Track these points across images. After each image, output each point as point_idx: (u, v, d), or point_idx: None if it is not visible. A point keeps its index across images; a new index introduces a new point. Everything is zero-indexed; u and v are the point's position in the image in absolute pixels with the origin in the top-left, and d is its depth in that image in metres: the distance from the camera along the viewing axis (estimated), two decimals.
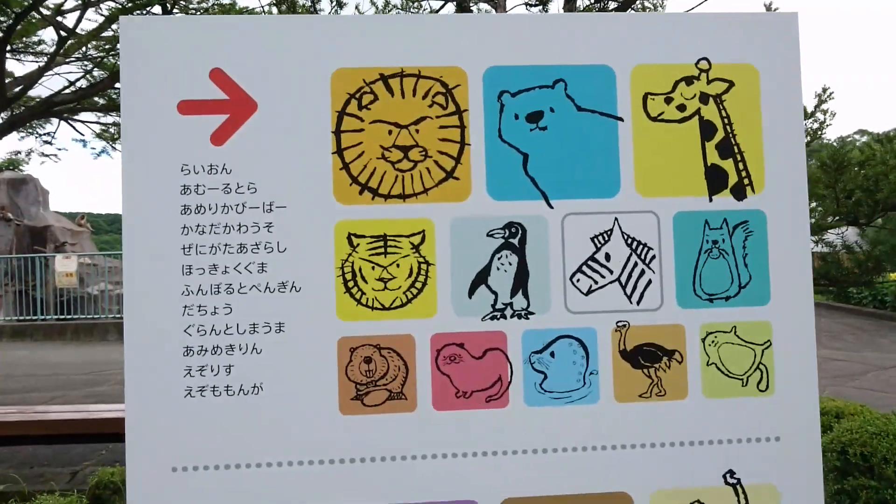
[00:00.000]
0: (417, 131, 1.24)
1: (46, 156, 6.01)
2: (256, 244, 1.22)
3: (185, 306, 1.20)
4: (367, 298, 1.23)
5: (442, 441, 1.23)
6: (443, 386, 1.23)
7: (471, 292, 1.24)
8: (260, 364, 1.21)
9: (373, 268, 1.23)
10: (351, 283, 1.23)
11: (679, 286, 1.27)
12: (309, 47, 1.23)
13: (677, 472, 1.26)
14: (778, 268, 1.28)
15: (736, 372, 1.27)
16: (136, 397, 1.20)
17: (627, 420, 1.25)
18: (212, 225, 1.21)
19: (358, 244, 1.23)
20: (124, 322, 1.20)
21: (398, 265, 1.23)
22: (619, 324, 1.26)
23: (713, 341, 1.27)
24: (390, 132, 1.24)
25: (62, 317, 14.05)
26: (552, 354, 1.25)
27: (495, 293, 1.25)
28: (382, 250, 1.23)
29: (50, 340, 13.01)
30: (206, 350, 1.21)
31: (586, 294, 1.26)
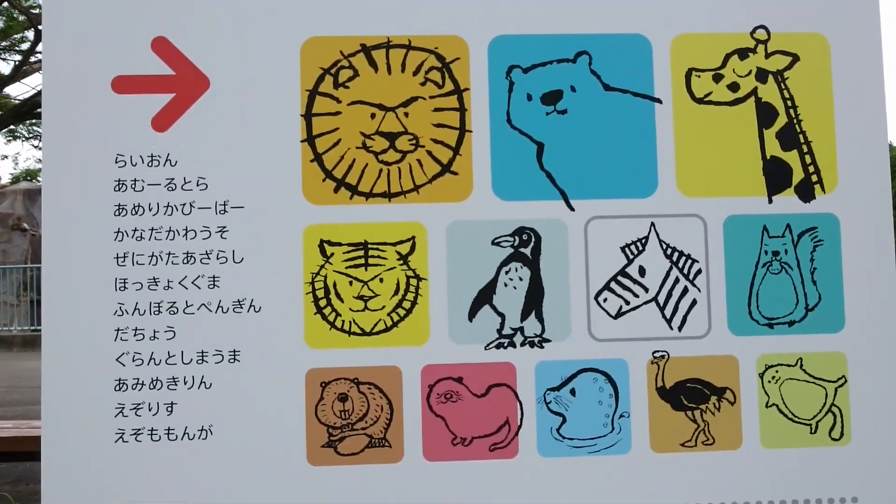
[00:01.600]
0: (407, 115, 1.01)
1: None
2: (207, 253, 0.99)
3: (118, 329, 0.98)
4: (343, 321, 0.99)
5: (435, 499, 0.99)
6: (436, 430, 0.99)
7: (472, 314, 1.00)
8: (209, 401, 0.98)
9: (350, 283, 1.00)
10: (323, 303, 0.99)
11: (731, 308, 1.02)
12: (274, 12, 1.01)
13: None
14: (854, 286, 1.03)
15: (803, 416, 1.02)
16: (55, 441, 0.97)
17: (667, 475, 1.00)
18: (152, 229, 0.99)
19: (332, 254, 1.00)
20: (42, 347, 0.98)
21: (382, 280, 1.00)
22: (657, 354, 1.01)
23: (774, 377, 1.02)
24: (373, 116, 1.01)
25: None
26: (573, 392, 1.00)
27: (502, 315, 1.01)
28: (363, 262, 1.00)
29: None
30: (142, 384, 0.97)
31: (615, 317, 1.02)
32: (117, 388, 0.97)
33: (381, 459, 0.99)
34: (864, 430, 1.02)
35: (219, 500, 0.97)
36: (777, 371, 1.02)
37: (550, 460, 1.00)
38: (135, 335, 0.98)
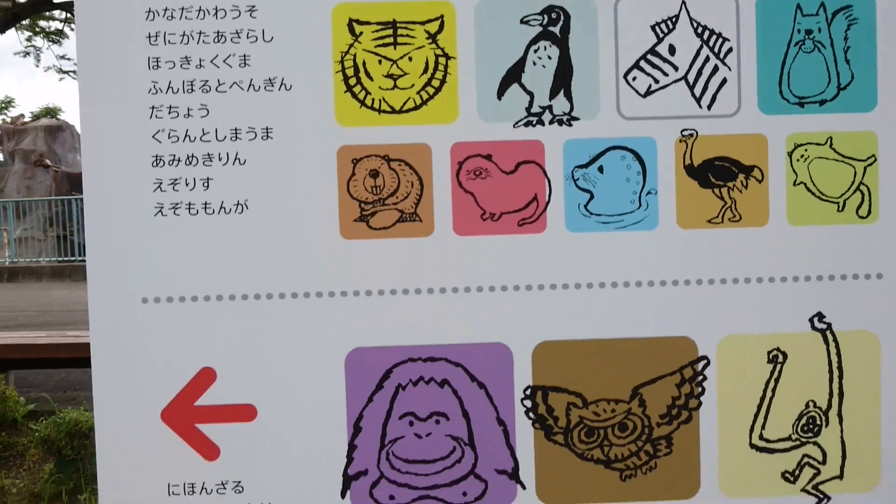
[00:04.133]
0: None
1: (65, 72, 5.77)
2: (237, 32, 0.99)
3: (153, 107, 0.99)
4: (373, 99, 1.00)
5: (464, 272, 1.01)
6: (466, 206, 1.01)
7: (500, 93, 1.01)
8: (244, 177, 1.00)
9: (380, 62, 1.00)
10: (353, 81, 1.00)
11: (761, 86, 1.02)
12: None
13: (753, 314, 1.02)
14: (888, 65, 1.02)
15: (830, 194, 1.02)
16: (97, 216, 1.00)
17: (693, 250, 1.02)
18: (182, 8, 0.99)
19: (361, 32, 1.00)
20: (80, 125, 1.00)
21: (411, 59, 1.00)
22: (685, 132, 1.01)
23: (803, 155, 1.02)
24: None
25: None
26: (600, 169, 1.01)
27: (531, 94, 1.01)
28: (392, 40, 1.00)
29: (87, 281, 13.19)
30: (179, 160, 1.00)
31: (644, 95, 1.01)
32: (154, 164, 1.00)
33: (411, 233, 1.01)
34: (891, 209, 1.03)
35: (254, 270, 1.00)
36: (806, 150, 1.02)
37: (578, 235, 1.02)
38: (169, 113, 1.00)
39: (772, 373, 1.03)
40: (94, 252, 1.01)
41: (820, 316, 1.02)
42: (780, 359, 1.03)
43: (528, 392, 1.02)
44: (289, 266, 1.00)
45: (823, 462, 1.04)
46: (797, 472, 1.04)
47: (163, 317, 1.00)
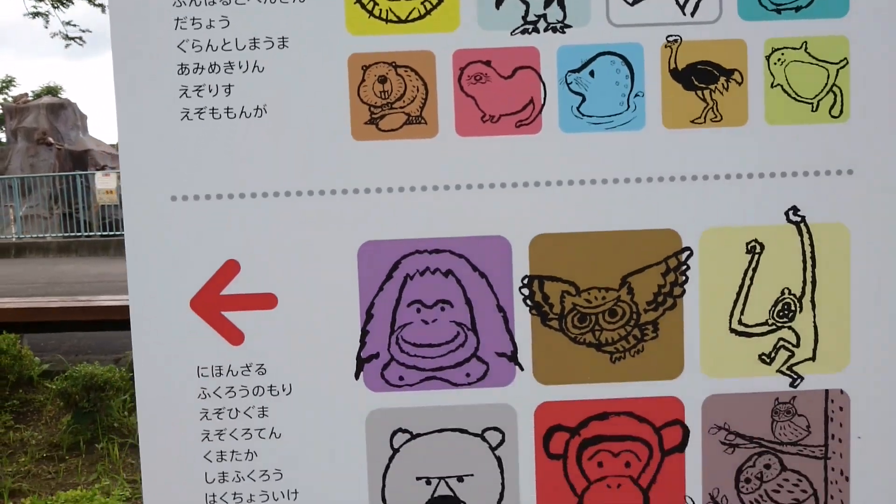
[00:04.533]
0: None
1: (71, 38, 5.80)
2: None
3: (178, 18, 1.07)
4: (380, 9, 1.08)
5: (466, 170, 1.10)
6: (467, 109, 1.09)
7: (498, 2, 1.09)
8: (263, 83, 1.08)
9: None
10: None
11: None
12: None
13: (733, 208, 1.11)
14: None
15: (805, 95, 1.10)
16: (129, 121, 1.09)
17: (677, 148, 1.10)
18: None
19: None
20: (111, 38, 1.08)
21: None
22: (670, 38, 1.09)
23: (779, 59, 1.10)
24: None
25: (106, 233, 14.38)
26: (591, 74, 1.09)
27: (526, 3, 1.09)
28: None
29: (94, 255, 13.33)
30: (202, 68, 1.08)
31: (632, 4, 1.09)
32: (180, 72, 1.08)
33: (417, 135, 1.10)
34: (861, 109, 1.11)
35: (274, 170, 1.09)
36: (783, 53, 1.10)
37: (571, 135, 1.10)
38: (193, 24, 1.08)
39: (750, 262, 1.12)
40: (125, 155, 1.10)
41: (794, 209, 1.11)
42: (758, 249, 1.11)
43: (525, 281, 1.11)
44: (305, 165, 1.09)
45: (797, 345, 1.13)
46: (773, 354, 1.13)
47: (190, 213, 1.09)
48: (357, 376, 1.12)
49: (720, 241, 1.11)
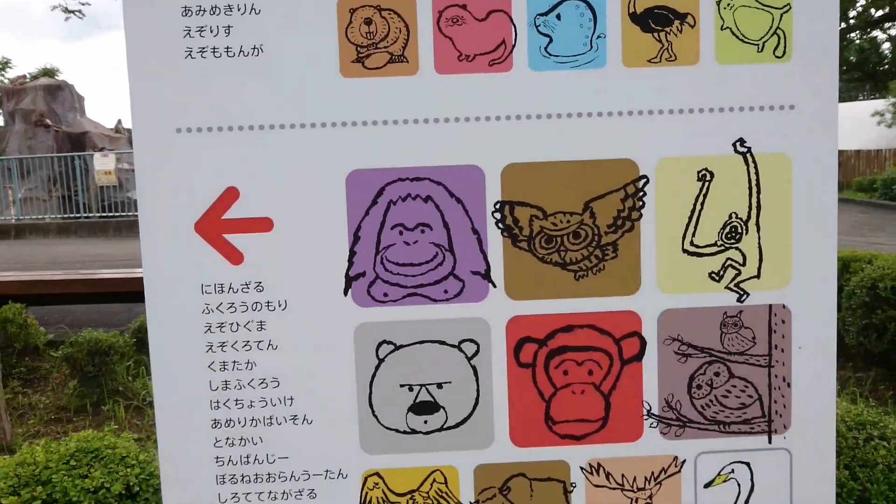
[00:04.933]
0: None
1: (70, 12, 5.86)
2: None
3: None
4: None
5: (444, 105, 1.21)
6: (445, 49, 1.20)
7: None
8: (259, 25, 1.19)
9: None
10: None
11: None
12: None
13: (685, 139, 1.22)
14: None
15: (752, 37, 1.21)
16: (137, 60, 1.20)
17: (635, 85, 1.21)
18: None
19: None
20: None
21: None
22: None
23: (729, 4, 1.21)
24: None
25: (105, 214, 14.46)
26: (558, 17, 1.20)
27: None
28: None
29: (93, 237, 13.44)
30: (204, 10, 1.19)
31: None
32: (184, 14, 1.19)
33: (400, 72, 1.21)
34: (803, 50, 1.22)
35: (270, 104, 1.20)
36: None
37: (539, 73, 1.21)
38: None
39: (701, 189, 1.23)
40: (135, 92, 1.21)
41: (741, 141, 1.23)
42: (708, 177, 1.23)
43: (497, 206, 1.23)
44: (297, 100, 1.20)
45: (743, 264, 1.25)
46: (722, 272, 1.25)
47: (193, 144, 1.21)
48: (346, 293, 1.24)
49: (674, 169, 1.23)
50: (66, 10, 6.04)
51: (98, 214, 14.93)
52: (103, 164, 14.46)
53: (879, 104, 23.47)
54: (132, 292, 5.36)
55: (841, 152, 19.47)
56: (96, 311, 6.46)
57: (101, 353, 4.06)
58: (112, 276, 5.56)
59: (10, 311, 4.61)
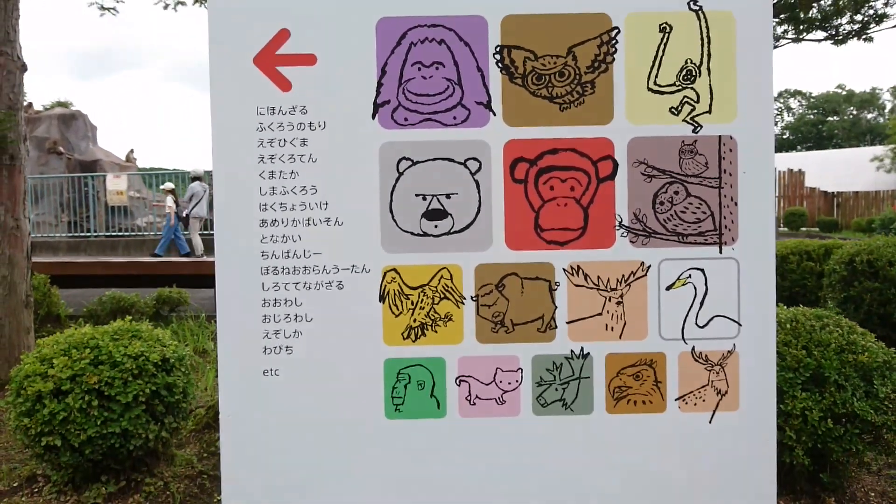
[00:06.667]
0: None
1: (105, 9, 6.19)
2: None
3: None
4: None
5: None
6: None
7: None
8: None
9: None
10: None
11: None
12: None
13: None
14: None
15: None
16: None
17: None
18: None
19: None
20: None
21: None
22: None
23: None
24: None
25: (113, 234, 14.79)
26: None
27: None
28: None
29: (102, 254, 13.71)
30: None
31: None
32: None
33: None
34: None
35: None
36: None
37: None
38: None
39: (662, 39, 1.53)
40: (213, 14, 1.51)
41: (694, 0, 1.53)
42: (668, 29, 1.53)
43: (497, 49, 1.52)
44: None
45: (697, 101, 1.54)
46: (679, 107, 1.54)
47: None
48: (373, 117, 1.52)
49: (640, 22, 1.53)
50: (102, 8, 6.46)
51: (106, 234, 15.26)
52: (115, 184, 14.85)
53: (878, 150, 24.14)
54: (148, 275, 5.62)
55: (840, 194, 19.99)
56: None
57: (123, 310, 4.29)
58: (128, 261, 5.82)
59: (36, 281, 4.85)
